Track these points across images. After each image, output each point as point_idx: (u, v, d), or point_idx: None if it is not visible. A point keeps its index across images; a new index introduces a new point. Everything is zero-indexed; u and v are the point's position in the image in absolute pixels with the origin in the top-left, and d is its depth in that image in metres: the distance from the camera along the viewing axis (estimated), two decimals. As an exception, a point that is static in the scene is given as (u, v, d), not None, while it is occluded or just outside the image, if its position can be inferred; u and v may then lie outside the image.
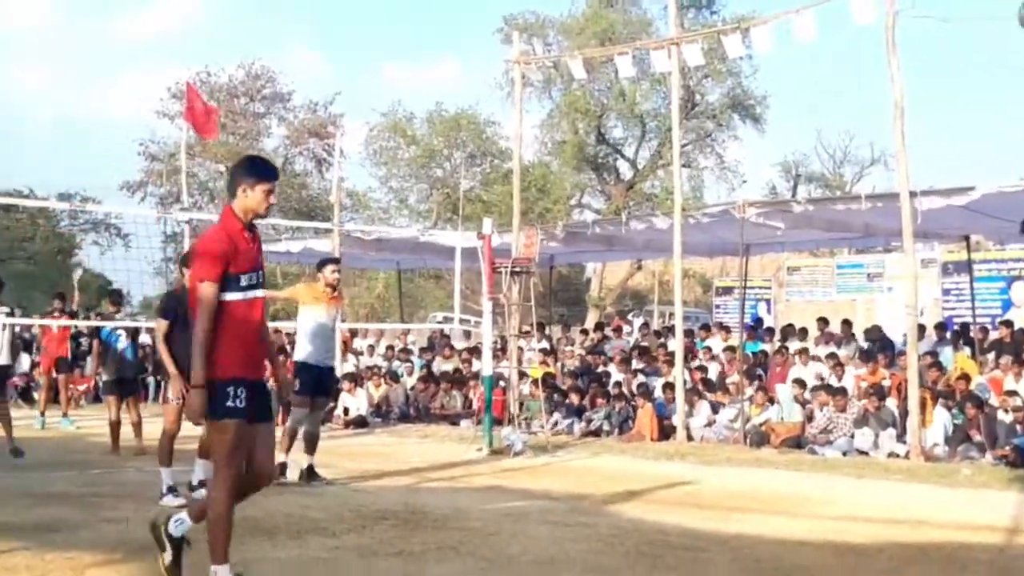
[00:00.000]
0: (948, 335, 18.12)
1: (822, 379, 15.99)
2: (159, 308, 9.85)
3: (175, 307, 9.36)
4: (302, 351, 10.85)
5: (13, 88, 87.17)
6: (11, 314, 13.05)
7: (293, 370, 11.00)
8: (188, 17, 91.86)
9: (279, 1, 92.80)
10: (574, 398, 17.53)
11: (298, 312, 10.99)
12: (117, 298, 14.66)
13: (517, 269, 15.20)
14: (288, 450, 10.75)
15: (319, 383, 10.74)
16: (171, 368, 9.26)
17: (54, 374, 17.99)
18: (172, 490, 9.18)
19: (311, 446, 10.77)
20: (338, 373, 20.25)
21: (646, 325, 26.28)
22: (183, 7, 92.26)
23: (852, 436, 14.27)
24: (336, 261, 11.41)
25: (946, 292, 25.64)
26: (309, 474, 10.72)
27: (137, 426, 13.30)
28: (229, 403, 5.55)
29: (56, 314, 17.53)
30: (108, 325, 13.59)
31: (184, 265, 9.58)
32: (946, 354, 16.86)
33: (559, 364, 20.14)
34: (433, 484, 10.95)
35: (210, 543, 5.56)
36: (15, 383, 22.43)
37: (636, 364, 18.75)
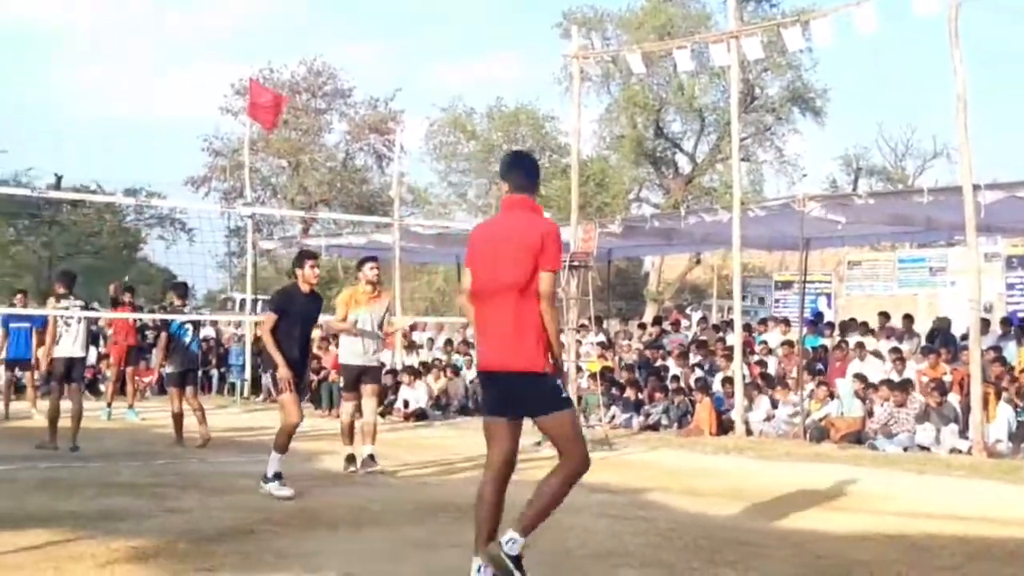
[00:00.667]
0: (1012, 330, 17.87)
1: (864, 379, 15.81)
2: (271, 303, 9.98)
3: (288, 304, 9.61)
4: (344, 353, 11.30)
5: (80, 83, 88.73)
6: (85, 307, 13.31)
7: (342, 368, 11.41)
8: (251, 14, 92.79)
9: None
10: (632, 392, 17.52)
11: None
12: (183, 291, 14.83)
13: (575, 263, 15.22)
14: (348, 443, 11.01)
15: (360, 378, 11.00)
16: (280, 362, 9.43)
17: (122, 366, 18.27)
18: (279, 476, 9.22)
19: (370, 435, 10.95)
20: (397, 366, 20.46)
21: (704, 319, 26.15)
22: (246, 2, 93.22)
23: (913, 431, 14.14)
24: (374, 259, 11.43)
25: (1010, 287, 25.24)
26: (369, 460, 10.90)
27: (202, 417, 13.51)
28: (564, 394, 5.81)
29: (125, 307, 17.84)
30: (178, 319, 13.83)
31: (297, 266, 9.86)
32: (1010, 349, 16.65)
33: (617, 358, 20.12)
34: (492, 477, 11.00)
35: (533, 510, 5.67)
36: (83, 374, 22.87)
37: (694, 358, 18.69)
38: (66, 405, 12.64)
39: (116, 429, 15.77)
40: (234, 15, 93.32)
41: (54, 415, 12.63)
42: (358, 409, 11.17)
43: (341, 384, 11.25)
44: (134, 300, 18.31)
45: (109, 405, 17.53)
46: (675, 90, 39.46)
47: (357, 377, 11.01)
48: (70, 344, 12.73)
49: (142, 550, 6.63)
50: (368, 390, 11.09)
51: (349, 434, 11.10)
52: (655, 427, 16.46)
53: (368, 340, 10.96)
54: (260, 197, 42.56)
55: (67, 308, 12.69)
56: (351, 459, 10.99)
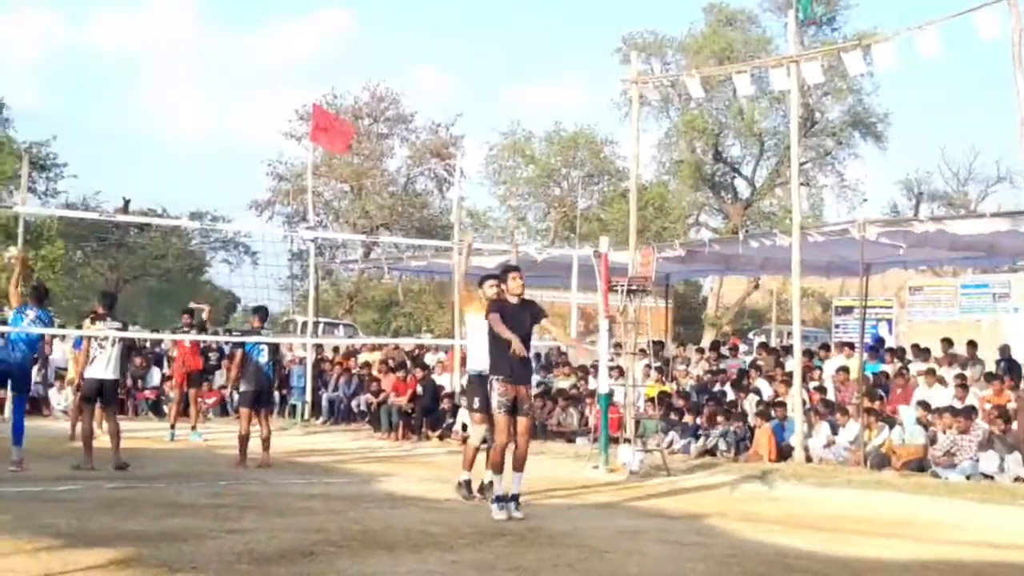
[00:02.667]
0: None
1: (927, 406, 15.59)
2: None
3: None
4: (479, 361, 10.57)
5: (148, 107, 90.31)
6: (123, 329, 13.46)
7: (468, 383, 10.96)
8: (318, 39, 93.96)
9: (407, 24, 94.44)
10: (689, 417, 17.45)
11: (468, 322, 10.97)
12: (264, 314, 14.79)
13: (633, 287, 15.23)
14: (470, 468, 10.80)
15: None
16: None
17: (185, 388, 18.50)
18: (497, 499, 9.47)
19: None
20: (455, 389, 20.48)
21: (764, 344, 25.99)
22: (315, 29, 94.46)
23: (977, 459, 13.94)
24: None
25: (1076, 312, 24.79)
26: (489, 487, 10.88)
27: (266, 440, 13.65)
28: None
29: (186, 329, 18.06)
30: (250, 339, 13.98)
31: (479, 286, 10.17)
32: (1076, 376, 16.37)
33: (673, 382, 20.01)
34: (549, 501, 11.05)
35: None
36: (147, 396, 23.20)
37: (750, 382, 18.56)
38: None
39: (179, 450, 15.98)
40: (299, 41, 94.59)
41: (87, 436, 12.86)
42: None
43: (475, 403, 10.69)
44: (193, 321, 18.49)
45: (173, 427, 17.72)
46: (734, 115, 39.42)
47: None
48: (102, 367, 12.84)
49: (203, 570, 6.73)
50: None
51: (472, 459, 10.75)
52: (713, 452, 16.37)
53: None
54: (322, 221, 43.03)
55: (101, 329, 12.85)
56: (467, 485, 10.73)
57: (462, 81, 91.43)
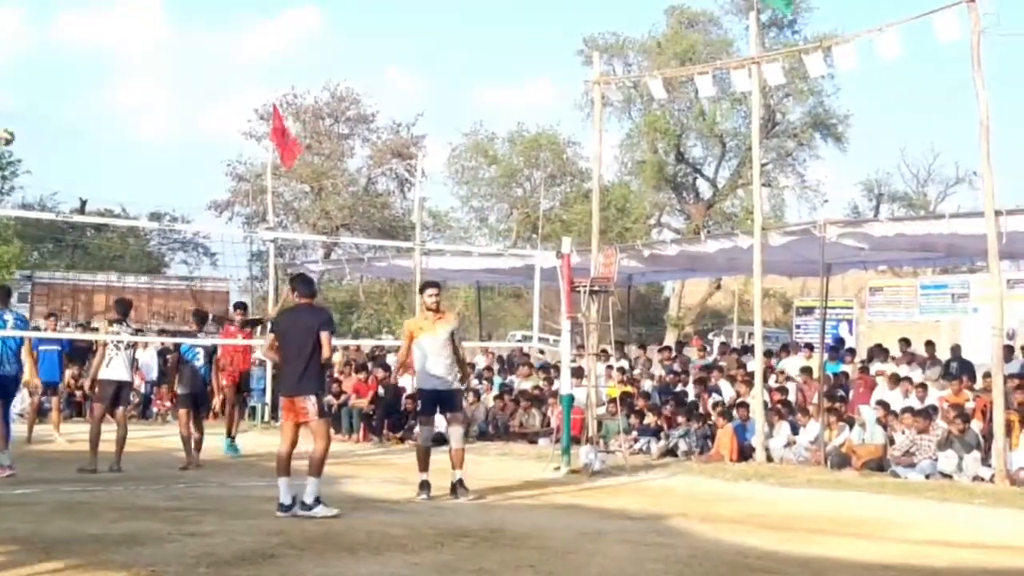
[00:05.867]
0: (1036, 357, 17.74)
1: (886, 406, 15.70)
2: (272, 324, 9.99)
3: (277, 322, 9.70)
4: (418, 379, 11.36)
5: (108, 107, 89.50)
6: (137, 332, 13.60)
7: (416, 395, 11.60)
8: (287, 39, 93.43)
9: (377, 25, 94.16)
10: (652, 418, 17.47)
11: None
12: (200, 318, 14.90)
13: (596, 288, 15.21)
14: (423, 469, 10.93)
15: (441, 402, 11.03)
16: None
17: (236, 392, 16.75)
18: (283, 506, 9.36)
19: (457, 461, 10.98)
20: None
21: (725, 344, 26.11)
22: (285, 29, 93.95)
23: (936, 459, 14.06)
24: (435, 284, 11.51)
25: (1034, 313, 25.03)
26: (458, 487, 10.94)
27: (198, 443, 13.73)
28: None
29: (237, 325, 16.74)
30: (187, 342, 13.99)
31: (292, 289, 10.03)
32: (1034, 376, 16.50)
33: (627, 377, 20.01)
34: (511, 502, 11.03)
35: None
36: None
37: (711, 382, 18.63)
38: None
39: (137, 453, 15.77)
40: (267, 41, 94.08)
41: (95, 437, 12.85)
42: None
43: (419, 406, 11.43)
44: (246, 317, 17.35)
45: (232, 436, 16.09)
46: (696, 116, 39.62)
47: (433, 402, 11.04)
48: (119, 369, 13.01)
49: (162, 574, 6.66)
50: (450, 418, 11.12)
51: (424, 460, 10.97)
52: (674, 452, 16.39)
53: (437, 363, 10.91)
54: (282, 221, 42.82)
55: (118, 333, 13.05)
56: (425, 486, 10.86)
57: (432, 82, 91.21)
